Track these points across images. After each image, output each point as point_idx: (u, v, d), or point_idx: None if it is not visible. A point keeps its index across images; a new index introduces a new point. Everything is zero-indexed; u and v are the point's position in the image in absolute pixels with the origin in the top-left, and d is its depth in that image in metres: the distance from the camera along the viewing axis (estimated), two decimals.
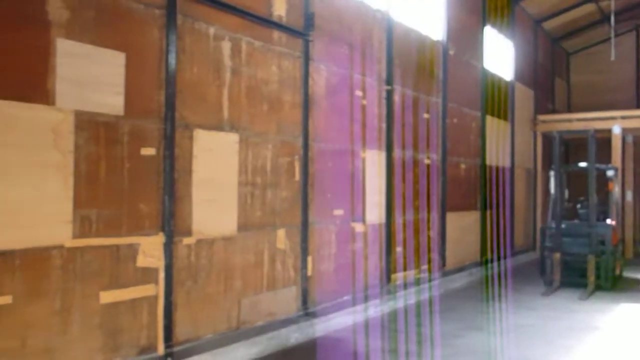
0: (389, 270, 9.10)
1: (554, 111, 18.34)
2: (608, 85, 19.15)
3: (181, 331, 5.57)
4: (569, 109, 19.77)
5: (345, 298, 8.03)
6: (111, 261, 4.94)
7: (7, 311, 4.16)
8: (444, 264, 10.96)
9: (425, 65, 10.43)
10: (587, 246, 11.00)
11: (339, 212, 7.98)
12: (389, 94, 9.14)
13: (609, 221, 11.59)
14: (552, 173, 11.98)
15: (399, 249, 9.44)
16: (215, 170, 6.01)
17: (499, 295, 10.21)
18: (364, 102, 8.58)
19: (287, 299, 7.03)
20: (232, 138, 6.22)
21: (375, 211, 8.84)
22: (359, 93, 8.45)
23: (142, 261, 5.21)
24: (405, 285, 9.48)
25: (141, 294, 5.20)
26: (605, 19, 17.53)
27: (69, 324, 4.58)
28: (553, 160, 11.38)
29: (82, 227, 4.69)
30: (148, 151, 5.29)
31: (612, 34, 14.25)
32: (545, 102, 17.62)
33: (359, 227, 8.44)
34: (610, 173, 11.30)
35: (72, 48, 4.62)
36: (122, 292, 5.02)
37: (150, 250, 5.29)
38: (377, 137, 8.92)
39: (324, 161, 7.70)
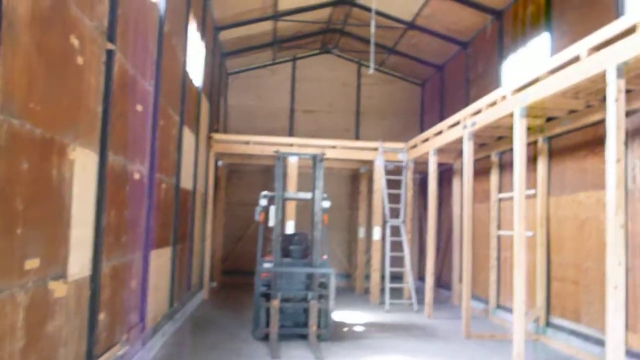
0: (91, 356, 5.29)
1: (217, 131, 16.59)
2: (266, 112, 18.64)
3: None
4: (225, 131, 18.40)
5: None
6: None
7: None
8: (143, 327, 7.53)
9: (145, 33, 7.05)
10: (309, 289, 9.30)
11: (33, 263, 3.97)
12: (110, 58, 5.50)
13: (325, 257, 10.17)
14: (263, 200, 9.95)
15: (102, 317, 5.71)
16: None
17: None
18: (80, 60, 4.77)
19: None
20: None
21: (81, 256, 5.00)
22: (75, 42, 4.63)
23: None
24: None
25: None
26: (275, 42, 16.93)
27: None
28: (276, 185, 9.34)
29: None
30: None
31: (372, 50, 13.18)
32: (214, 121, 15.70)
33: (59, 289, 4.50)
34: (327, 204, 9.92)
35: None
36: None
37: None
38: (91, 126, 5.15)
39: (14, 158, 3.68)
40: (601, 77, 6.43)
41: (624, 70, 5.89)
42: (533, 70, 7.72)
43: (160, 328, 8.67)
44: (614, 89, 5.85)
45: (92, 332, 5.27)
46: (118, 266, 6.24)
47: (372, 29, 12.13)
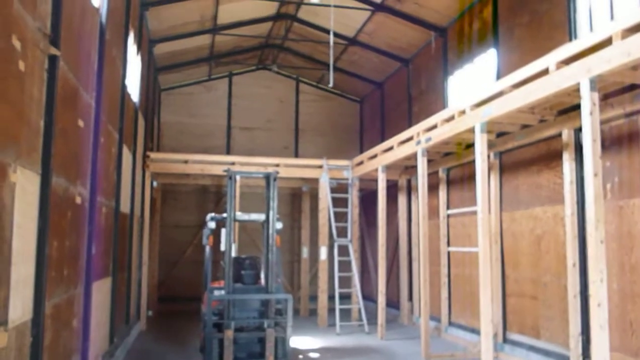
0: None
1: (152, 150, 15.67)
2: (201, 130, 17.87)
3: None
4: (158, 150, 17.45)
5: None
6: None
7: None
8: None
9: (88, 40, 6.33)
10: (264, 317, 8.70)
11: None
12: (53, 65, 4.79)
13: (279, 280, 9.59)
14: (211, 223, 9.27)
15: None
16: None
17: None
18: (22, 66, 4.07)
19: None
20: None
21: (23, 296, 4.24)
22: (17, 43, 3.93)
23: None
24: None
25: None
26: (211, 57, 16.29)
27: None
28: (227, 206, 8.69)
29: None
30: None
31: (331, 60, 12.72)
32: (148, 139, 14.78)
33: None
34: (279, 225, 9.38)
35: None
36: None
37: None
38: (33, 144, 4.43)
39: None
40: (565, 91, 6.39)
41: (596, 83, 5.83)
42: (496, 85, 7.62)
43: None
44: (589, 102, 5.76)
45: None
46: (60, 304, 5.45)
47: (331, 42, 11.86)
